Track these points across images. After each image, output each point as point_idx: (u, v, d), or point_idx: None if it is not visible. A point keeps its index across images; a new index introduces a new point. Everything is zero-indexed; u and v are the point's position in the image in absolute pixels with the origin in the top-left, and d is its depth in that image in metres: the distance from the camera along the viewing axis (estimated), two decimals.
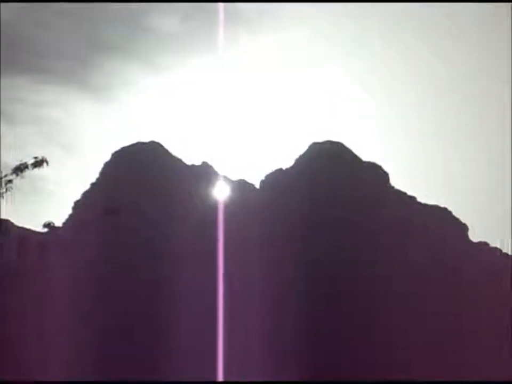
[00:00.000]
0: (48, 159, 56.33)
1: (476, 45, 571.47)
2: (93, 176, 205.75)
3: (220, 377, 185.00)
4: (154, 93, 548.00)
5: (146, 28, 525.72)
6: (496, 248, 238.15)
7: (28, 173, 55.24)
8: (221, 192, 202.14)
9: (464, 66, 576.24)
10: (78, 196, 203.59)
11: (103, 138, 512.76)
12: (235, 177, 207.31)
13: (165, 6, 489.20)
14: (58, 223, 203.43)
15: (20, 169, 55.45)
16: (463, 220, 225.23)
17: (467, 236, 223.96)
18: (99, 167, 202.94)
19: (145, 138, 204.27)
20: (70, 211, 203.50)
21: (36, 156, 56.09)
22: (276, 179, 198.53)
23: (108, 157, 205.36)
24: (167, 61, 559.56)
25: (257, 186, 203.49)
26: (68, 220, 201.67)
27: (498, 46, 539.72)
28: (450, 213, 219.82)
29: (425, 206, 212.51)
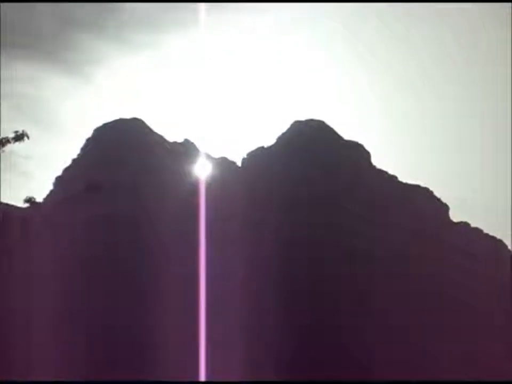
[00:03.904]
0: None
1: (475, 44, 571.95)
2: (72, 152, 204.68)
3: (202, 364, 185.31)
4: (130, 70, 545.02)
5: (119, 6, 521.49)
6: (476, 228, 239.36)
7: (8, 147, 54.67)
8: (202, 170, 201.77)
9: (463, 64, 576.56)
10: (56, 172, 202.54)
11: (79, 114, 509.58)
12: (217, 155, 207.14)
13: None
14: (38, 198, 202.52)
15: (1, 143, 54.82)
16: (445, 200, 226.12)
17: (448, 216, 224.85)
18: (76, 143, 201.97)
19: (127, 115, 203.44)
20: (50, 187, 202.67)
21: (16, 130, 55.41)
22: (258, 157, 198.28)
23: (88, 133, 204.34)
24: (141, 38, 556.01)
25: (239, 164, 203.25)
26: (49, 195, 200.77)
27: (498, 45, 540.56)
28: (431, 192, 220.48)
29: (406, 185, 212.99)
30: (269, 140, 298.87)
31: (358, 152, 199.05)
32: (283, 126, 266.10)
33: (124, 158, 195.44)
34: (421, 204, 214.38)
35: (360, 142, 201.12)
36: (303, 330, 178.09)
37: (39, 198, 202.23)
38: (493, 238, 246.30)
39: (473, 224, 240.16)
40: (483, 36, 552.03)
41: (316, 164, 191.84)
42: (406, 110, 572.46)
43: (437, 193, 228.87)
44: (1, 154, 55.65)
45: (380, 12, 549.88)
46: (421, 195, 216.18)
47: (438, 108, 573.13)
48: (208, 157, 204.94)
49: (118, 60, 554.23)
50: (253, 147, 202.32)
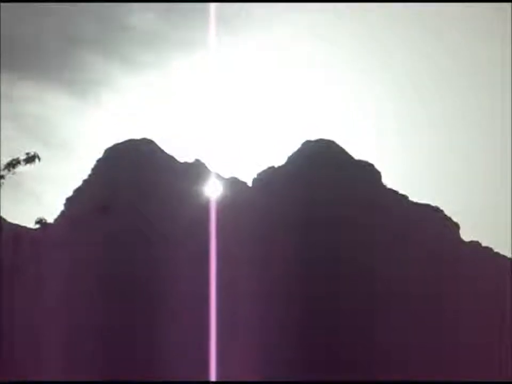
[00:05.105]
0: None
1: (476, 45, 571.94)
2: (80, 172, 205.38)
3: (213, 369, 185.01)
4: (138, 90, 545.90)
5: (124, 25, 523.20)
6: (487, 247, 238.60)
7: (19, 168, 54.71)
8: (213, 190, 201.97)
9: (465, 66, 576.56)
10: (64, 193, 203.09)
11: (87, 134, 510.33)
12: (227, 175, 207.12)
13: (138, 5, 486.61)
14: (48, 219, 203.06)
15: (12, 165, 54.80)
16: (455, 219, 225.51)
17: (459, 235, 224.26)
18: (85, 164, 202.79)
19: (136, 135, 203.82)
20: (60, 208, 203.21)
21: (27, 152, 55.41)
22: (268, 177, 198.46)
23: (97, 154, 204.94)
24: (149, 58, 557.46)
25: (250, 184, 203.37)
26: (59, 216, 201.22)
27: (498, 45, 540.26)
28: (442, 212, 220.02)
29: (417, 204, 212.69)
30: (279, 160, 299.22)
31: (368, 172, 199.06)
32: (293, 146, 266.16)
33: (134, 178, 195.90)
34: (432, 223, 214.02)
35: (370, 161, 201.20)
36: (314, 347, 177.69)
37: (48, 219, 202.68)
38: (504, 257, 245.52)
39: (484, 243, 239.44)
40: (483, 35, 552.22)
41: (326, 184, 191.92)
42: (417, 127, 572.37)
43: (448, 212, 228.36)
44: (12, 175, 55.67)
45: (397, 24, 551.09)
46: (431, 214, 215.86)
47: (447, 124, 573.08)
48: (219, 176, 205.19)
49: (125, 79, 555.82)
50: (263, 167, 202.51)
